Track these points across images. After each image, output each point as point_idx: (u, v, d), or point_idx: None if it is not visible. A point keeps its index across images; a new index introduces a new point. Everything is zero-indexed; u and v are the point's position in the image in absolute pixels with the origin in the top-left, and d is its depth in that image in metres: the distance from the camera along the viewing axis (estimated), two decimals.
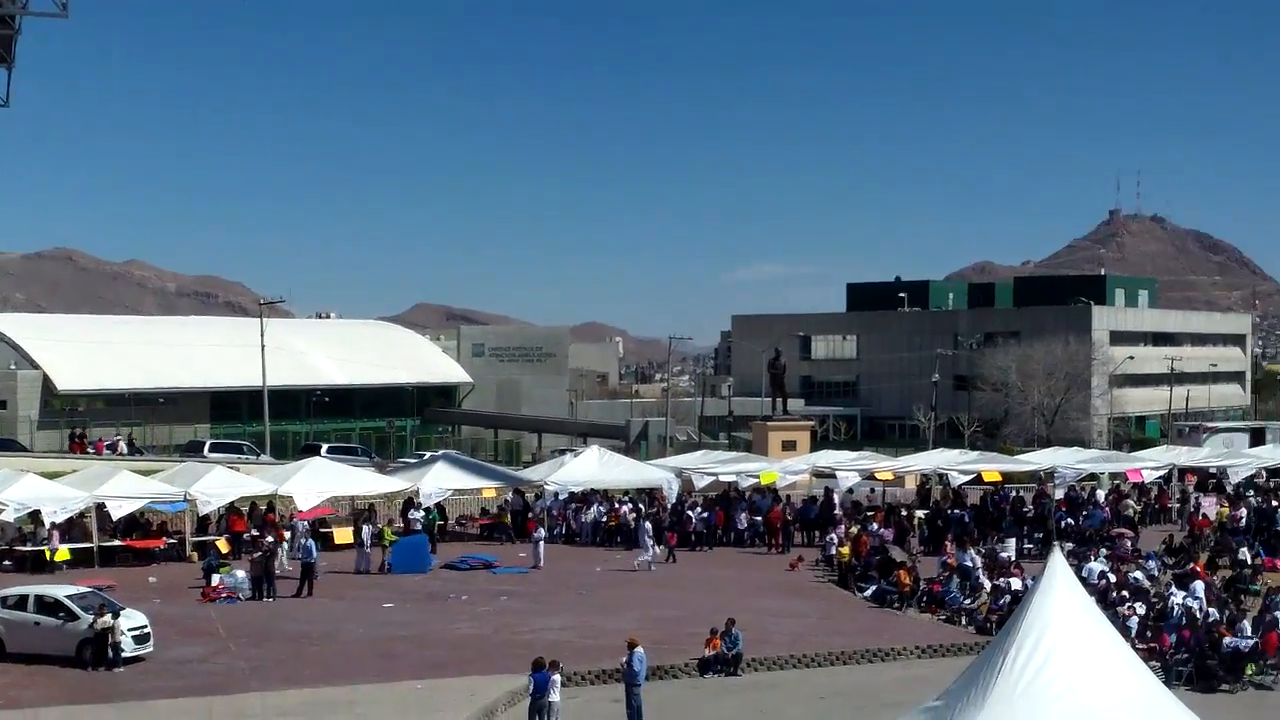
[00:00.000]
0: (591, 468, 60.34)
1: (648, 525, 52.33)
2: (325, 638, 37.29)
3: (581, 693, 31.50)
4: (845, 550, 47.66)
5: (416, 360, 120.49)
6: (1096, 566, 43.06)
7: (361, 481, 58.12)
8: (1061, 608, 13.54)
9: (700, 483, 61.33)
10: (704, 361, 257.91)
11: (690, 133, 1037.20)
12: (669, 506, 57.67)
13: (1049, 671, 13.02)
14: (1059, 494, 60.03)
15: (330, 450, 79.16)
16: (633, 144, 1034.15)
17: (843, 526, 52.77)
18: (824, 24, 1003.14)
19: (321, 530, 53.10)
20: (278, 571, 45.14)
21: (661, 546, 52.09)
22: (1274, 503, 58.05)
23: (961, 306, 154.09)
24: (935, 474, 63.52)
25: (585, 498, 58.97)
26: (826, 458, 65.86)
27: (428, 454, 74.66)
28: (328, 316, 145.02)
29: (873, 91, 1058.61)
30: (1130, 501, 60.82)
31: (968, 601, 41.23)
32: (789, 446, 73.16)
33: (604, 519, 57.31)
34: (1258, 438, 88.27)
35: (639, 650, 29.00)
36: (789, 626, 38.80)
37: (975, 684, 13.32)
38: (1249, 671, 33.07)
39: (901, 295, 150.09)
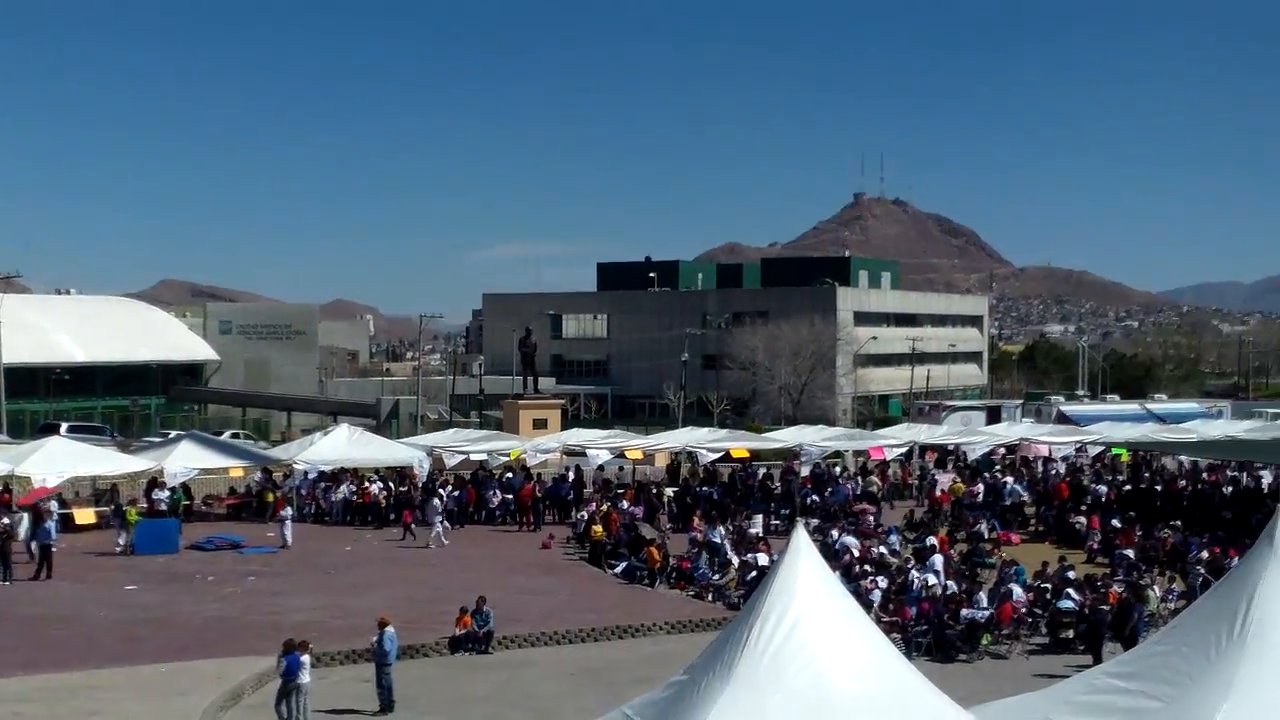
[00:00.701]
0: (341, 446, 59.70)
1: (436, 502, 52.10)
2: (65, 621, 36.17)
3: (331, 673, 31.16)
4: (596, 528, 47.95)
5: (162, 337, 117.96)
6: (842, 541, 44.17)
7: (103, 461, 56.55)
8: (805, 582, 13.83)
9: (451, 461, 61.06)
10: (455, 340, 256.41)
11: (440, 111, 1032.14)
12: (420, 485, 57.40)
13: (793, 644, 13.30)
14: (805, 471, 61.25)
15: (71, 429, 77.04)
16: (382, 121, 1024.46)
17: (593, 504, 53.10)
18: (578, 5, 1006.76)
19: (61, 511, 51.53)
20: (19, 552, 43.74)
21: (403, 526, 51.95)
22: (1008, 478, 60.11)
23: (710, 287, 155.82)
24: (685, 452, 64.26)
25: (335, 476, 58.28)
26: (577, 436, 66.16)
27: (173, 433, 73.15)
28: (68, 293, 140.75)
29: (623, 74, 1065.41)
30: (874, 478, 62.43)
31: (716, 577, 41.84)
32: (540, 425, 73.28)
33: (354, 498, 56.75)
34: (994, 415, 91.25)
35: (389, 629, 28.80)
36: (540, 604, 38.91)
37: (720, 658, 13.54)
38: (985, 641, 34.12)
39: (651, 275, 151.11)
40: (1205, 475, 65.94)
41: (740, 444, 64.28)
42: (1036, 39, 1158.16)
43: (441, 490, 56.04)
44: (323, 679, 29.63)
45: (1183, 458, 69.62)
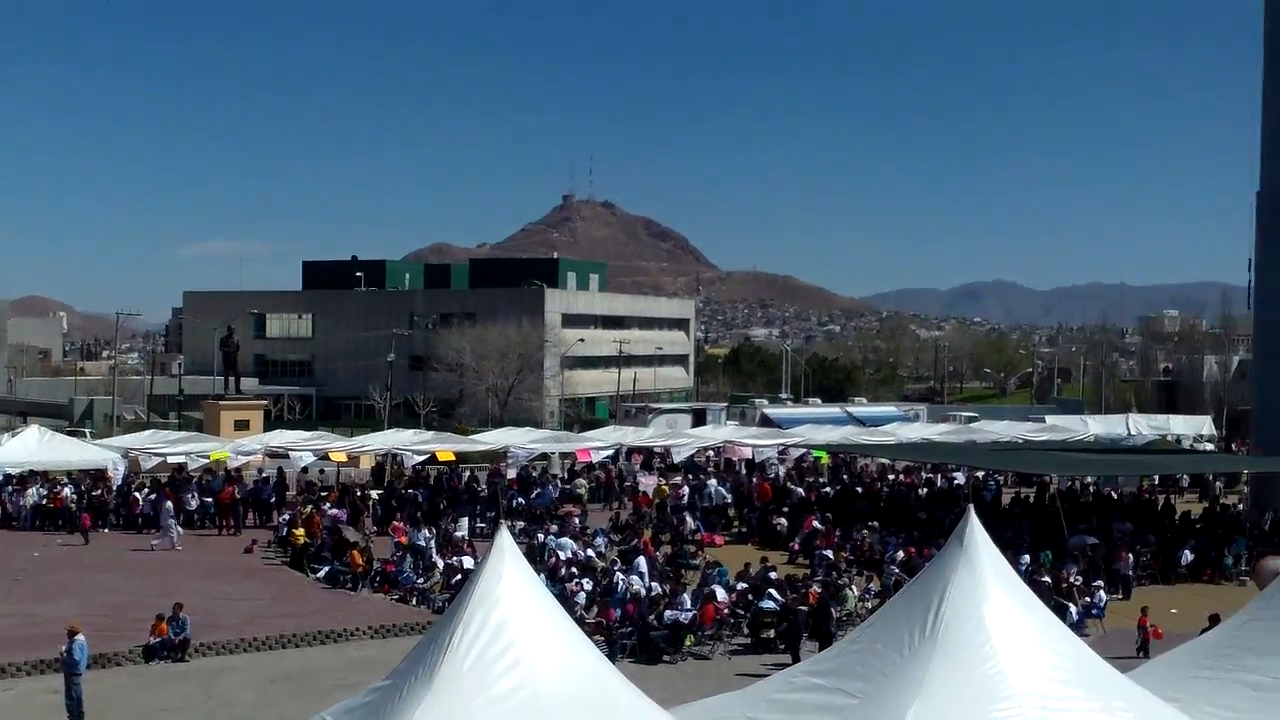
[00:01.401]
0: (31, 448, 57.48)
1: (169, 505, 50.67)
2: None
3: (18, 684, 30.04)
4: (298, 531, 47.20)
5: None
6: (548, 544, 44.33)
7: None
8: (509, 585, 13.79)
9: (148, 463, 59.38)
10: (154, 339, 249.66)
11: (139, 103, 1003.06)
12: (114, 488, 55.72)
13: (496, 647, 13.25)
14: (511, 473, 61.26)
15: None
16: (77, 111, 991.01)
17: (296, 507, 52.29)
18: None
19: None
20: None
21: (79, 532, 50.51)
22: (712, 480, 61.04)
23: (418, 287, 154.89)
24: (390, 454, 63.67)
25: (24, 480, 56.17)
26: (280, 437, 64.89)
27: None
28: None
29: (326, 73, 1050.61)
30: (581, 480, 62.78)
31: (421, 581, 41.54)
32: (241, 426, 71.90)
33: (44, 501, 54.78)
34: (699, 418, 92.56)
35: (79, 638, 27.82)
36: (240, 609, 38.12)
37: (423, 662, 13.42)
38: (688, 642, 34.55)
39: (358, 274, 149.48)
40: (902, 477, 68.01)
41: (446, 446, 63.90)
42: (741, 41, 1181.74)
43: (138, 494, 54.52)
44: (8, 690, 28.56)
45: (881, 460, 71.60)
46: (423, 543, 44.74)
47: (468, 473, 63.23)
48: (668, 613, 34.93)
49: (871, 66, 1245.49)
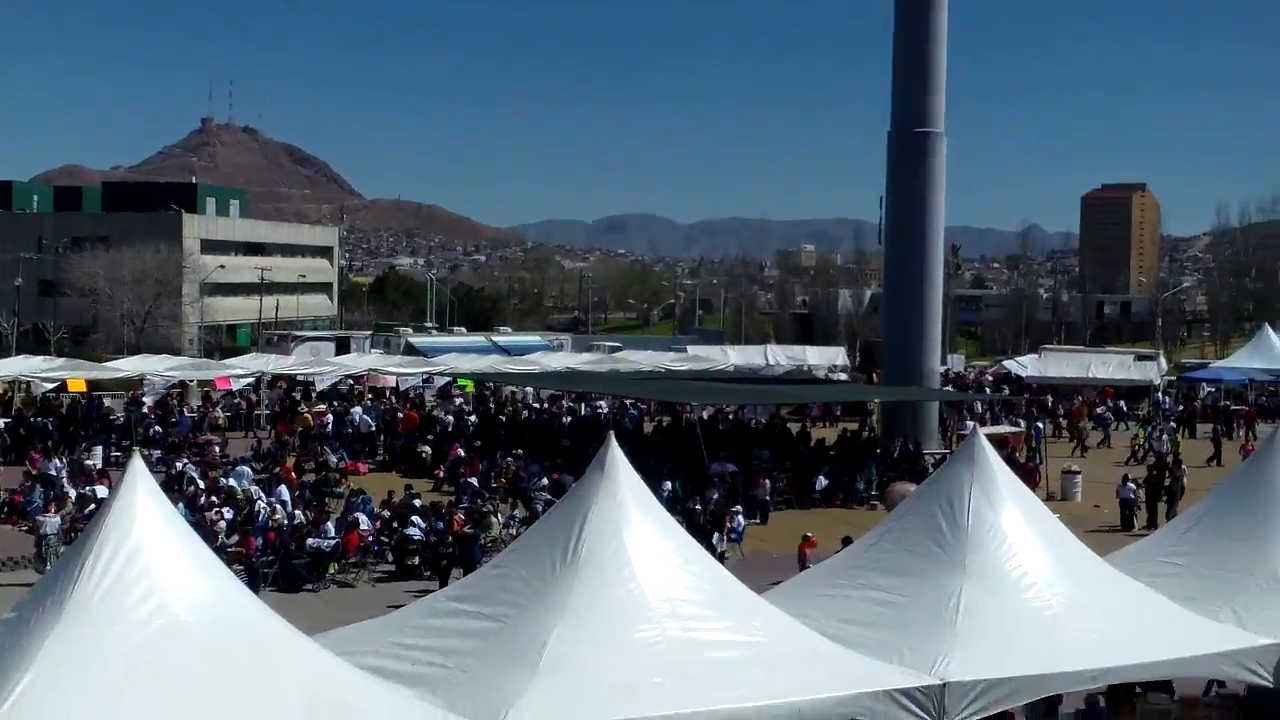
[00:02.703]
0: None
1: None
2: None
3: None
4: None
5: None
6: (186, 472, 43.39)
7: None
8: (142, 513, 13.41)
9: None
10: None
11: None
12: None
13: (130, 575, 12.87)
14: (149, 401, 59.61)
15: None
16: None
17: None
18: None
19: None
20: None
21: None
22: (356, 409, 60.48)
23: (48, 209, 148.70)
24: (19, 382, 61.20)
25: None
26: None
27: None
28: None
29: None
30: (220, 409, 61.54)
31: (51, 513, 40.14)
32: None
33: None
34: (343, 346, 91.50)
35: None
36: None
37: (52, 592, 12.97)
38: (331, 570, 34.32)
39: None
40: (547, 405, 68.53)
41: (79, 374, 61.68)
42: None
43: None
44: None
45: (526, 388, 71.99)
46: (54, 472, 43.22)
47: (102, 400, 61.27)
48: (310, 541, 34.57)
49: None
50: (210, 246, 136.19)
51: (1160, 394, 78.13)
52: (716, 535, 37.15)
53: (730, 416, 63.35)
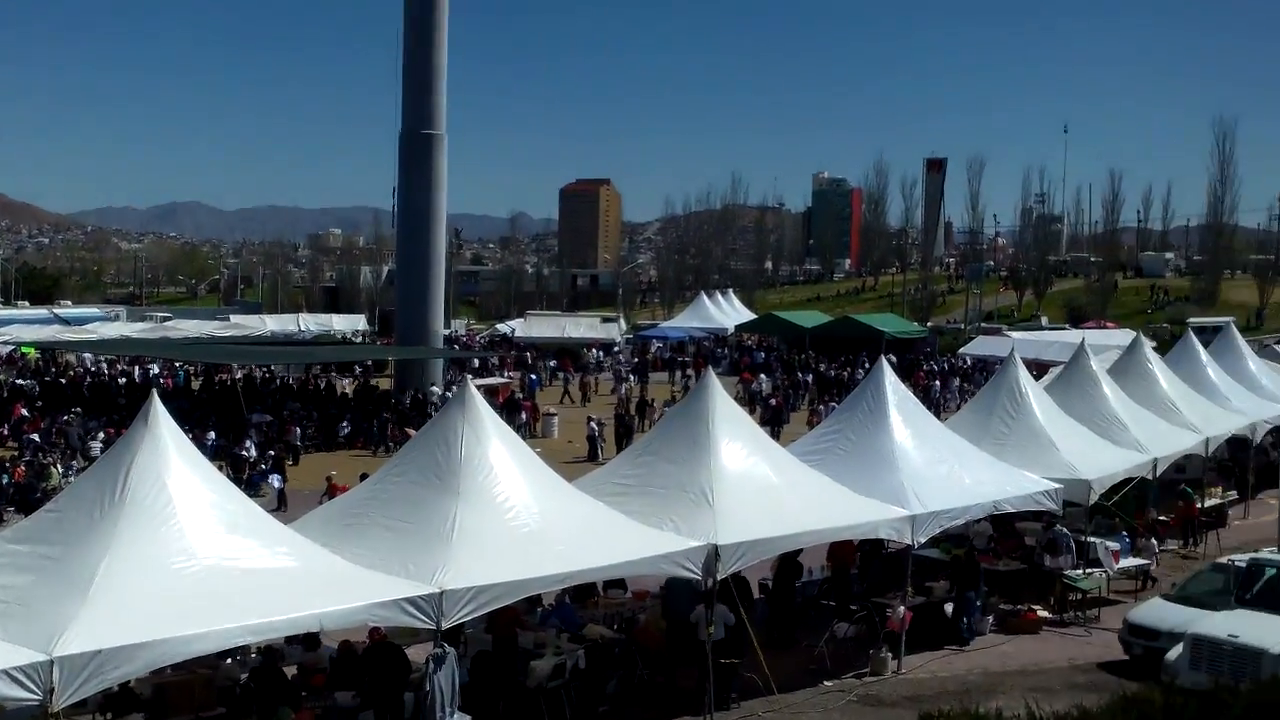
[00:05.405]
0: None
1: None
2: None
3: None
4: None
5: None
6: None
7: None
8: None
9: None
10: None
11: None
12: None
13: None
14: None
15: None
16: None
17: None
18: None
19: None
20: None
21: None
22: None
23: None
24: None
25: None
26: None
27: None
28: None
29: None
30: None
31: None
32: None
33: None
34: None
35: None
36: None
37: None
38: None
39: None
40: (105, 369, 65.39)
41: None
42: None
43: None
44: None
45: (85, 354, 68.52)
46: None
47: None
48: None
49: None
50: None
51: (618, 349, 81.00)
52: (274, 479, 36.45)
53: (266, 374, 61.93)
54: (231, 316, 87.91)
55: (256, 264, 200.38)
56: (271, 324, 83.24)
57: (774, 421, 48.00)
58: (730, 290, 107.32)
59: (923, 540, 21.87)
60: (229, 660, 17.60)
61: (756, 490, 19.88)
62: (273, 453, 39.59)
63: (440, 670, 15.66)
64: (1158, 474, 28.59)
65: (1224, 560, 23.69)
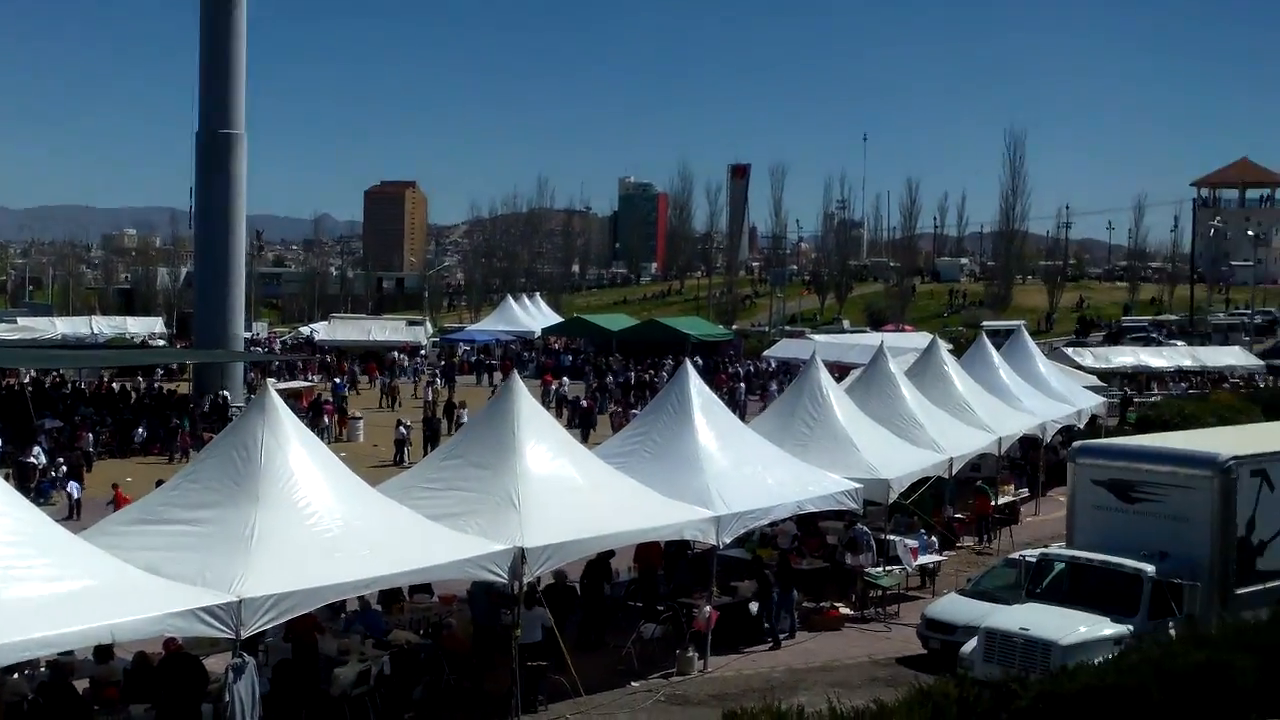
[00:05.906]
0: None
1: None
2: None
3: None
4: None
5: None
6: None
7: None
8: None
9: None
10: None
11: None
12: None
13: None
14: None
15: None
16: None
17: None
18: None
19: None
20: None
21: None
22: None
23: None
24: None
25: None
26: None
27: None
28: None
29: None
30: None
31: None
32: None
33: None
34: None
35: None
36: None
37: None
38: None
39: None
40: None
41: None
42: None
43: None
44: None
45: None
46: None
47: None
48: None
49: None
50: None
51: (424, 352, 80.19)
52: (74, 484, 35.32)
53: (57, 378, 59.67)
54: (19, 318, 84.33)
55: (46, 264, 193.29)
56: (62, 326, 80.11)
57: (583, 424, 48.10)
58: (537, 293, 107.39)
59: (728, 541, 22.16)
60: (15, 675, 16.90)
61: (563, 493, 19.89)
62: (62, 460, 38.21)
63: (240, 680, 15.28)
64: (954, 473, 29.49)
65: (1016, 556, 24.47)
